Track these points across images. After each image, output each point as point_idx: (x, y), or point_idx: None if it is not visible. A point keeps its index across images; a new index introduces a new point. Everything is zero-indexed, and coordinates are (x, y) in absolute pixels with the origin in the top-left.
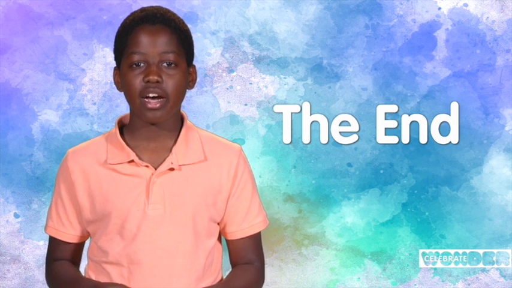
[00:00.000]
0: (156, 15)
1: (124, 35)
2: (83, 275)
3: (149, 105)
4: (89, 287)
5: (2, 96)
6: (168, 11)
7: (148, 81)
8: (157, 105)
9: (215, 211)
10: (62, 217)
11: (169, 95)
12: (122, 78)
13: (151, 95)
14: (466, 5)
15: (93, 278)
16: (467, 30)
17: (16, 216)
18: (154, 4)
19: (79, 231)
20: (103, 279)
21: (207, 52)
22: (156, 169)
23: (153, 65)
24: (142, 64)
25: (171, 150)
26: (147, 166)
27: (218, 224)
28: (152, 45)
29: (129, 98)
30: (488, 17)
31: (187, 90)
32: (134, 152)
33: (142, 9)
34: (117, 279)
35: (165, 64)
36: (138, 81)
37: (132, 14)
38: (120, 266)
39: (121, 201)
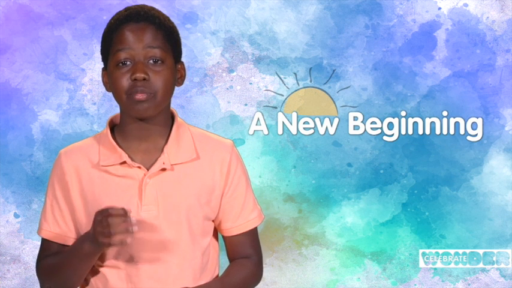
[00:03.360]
0: (140, 13)
1: (109, 34)
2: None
3: (136, 97)
4: (86, 238)
5: (2, 96)
6: (153, 8)
7: (135, 79)
8: (144, 96)
9: (209, 209)
10: (58, 219)
11: (157, 91)
12: (109, 77)
13: (139, 93)
14: (466, 5)
15: (91, 280)
16: (467, 30)
17: (16, 216)
18: (152, 4)
19: (75, 234)
20: (101, 283)
21: (207, 52)
22: (148, 170)
23: (139, 63)
24: (128, 62)
25: (162, 150)
26: (139, 167)
27: (213, 221)
28: (137, 42)
29: (117, 96)
30: (488, 17)
31: (177, 87)
32: (126, 153)
33: (127, 8)
34: (115, 282)
35: (151, 61)
36: (125, 80)
37: (117, 13)
38: (118, 269)
39: (113, 203)
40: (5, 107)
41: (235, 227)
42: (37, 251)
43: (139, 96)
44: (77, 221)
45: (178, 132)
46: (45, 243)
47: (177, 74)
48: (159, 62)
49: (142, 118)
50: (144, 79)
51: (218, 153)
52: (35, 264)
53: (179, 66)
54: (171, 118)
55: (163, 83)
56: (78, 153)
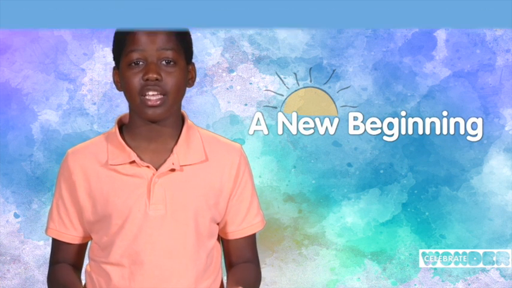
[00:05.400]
0: None
1: (122, 34)
2: (84, 275)
3: (149, 103)
4: None
5: (2, 96)
6: None
7: (147, 80)
8: (158, 102)
9: (217, 211)
10: (64, 218)
11: (169, 92)
12: (121, 77)
13: (150, 93)
14: None
15: (94, 278)
16: (467, 30)
17: (16, 216)
18: None
19: (81, 232)
20: (104, 280)
21: (207, 52)
22: (157, 170)
23: (151, 63)
24: (141, 62)
25: (172, 151)
26: (148, 167)
27: (217, 224)
28: (151, 43)
29: (129, 97)
30: None
31: (186, 88)
32: (135, 152)
33: None
34: (118, 280)
35: (164, 62)
36: (137, 80)
37: None
38: (122, 266)
39: (122, 202)
40: (5, 107)
41: (238, 230)
42: (37, 251)
43: (153, 102)
44: (85, 221)
45: (188, 134)
46: (54, 243)
47: (188, 76)
48: (172, 63)
49: (154, 121)
50: (157, 79)
51: (227, 156)
52: (35, 264)
53: (190, 67)
54: (181, 120)
55: (176, 84)
56: (86, 152)
